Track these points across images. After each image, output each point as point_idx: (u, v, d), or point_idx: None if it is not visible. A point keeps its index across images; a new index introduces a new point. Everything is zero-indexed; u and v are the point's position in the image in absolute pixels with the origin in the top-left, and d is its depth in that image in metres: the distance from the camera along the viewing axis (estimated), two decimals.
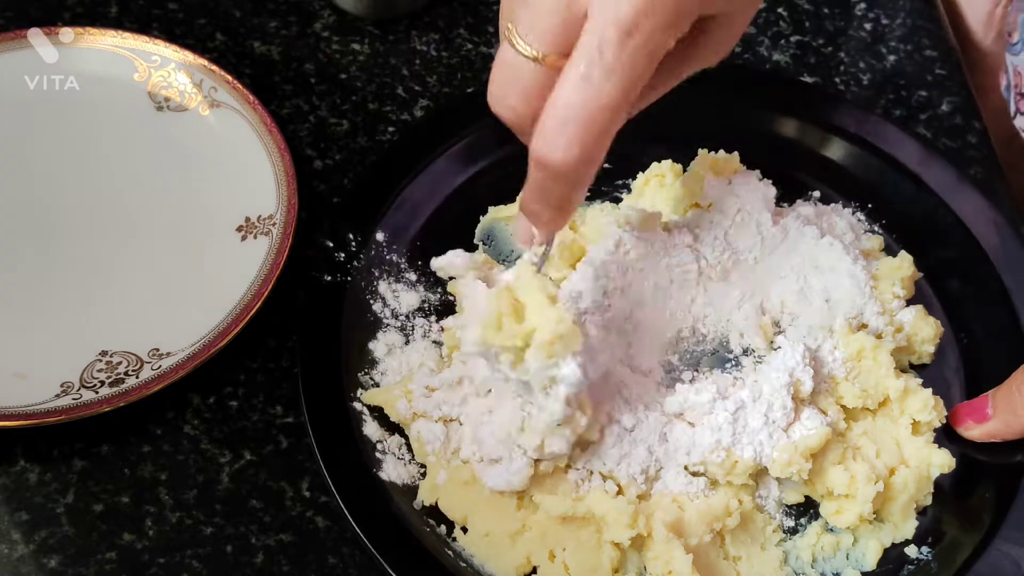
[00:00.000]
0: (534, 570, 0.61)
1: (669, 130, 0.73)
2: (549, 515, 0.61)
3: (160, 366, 0.66)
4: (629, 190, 0.76)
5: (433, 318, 0.70)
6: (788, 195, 0.75)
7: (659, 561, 0.60)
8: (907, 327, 0.69)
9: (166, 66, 0.80)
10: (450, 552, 0.61)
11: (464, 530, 0.62)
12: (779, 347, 0.66)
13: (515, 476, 0.61)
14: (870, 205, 0.76)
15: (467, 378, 0.65)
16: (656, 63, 0.50)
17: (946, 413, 0.66)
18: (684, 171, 0.74)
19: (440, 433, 0.64)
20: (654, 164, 0.75)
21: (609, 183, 0.76)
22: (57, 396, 0.65)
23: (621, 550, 0.60)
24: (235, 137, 0.77)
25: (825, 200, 0.76)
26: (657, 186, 0.74)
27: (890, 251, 0.74)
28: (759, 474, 0.64)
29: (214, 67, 0.80)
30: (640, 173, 0.75)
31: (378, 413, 0.66)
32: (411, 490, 0.63)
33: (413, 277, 0.72)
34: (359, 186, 0.75)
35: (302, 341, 0.66)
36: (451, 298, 0.71)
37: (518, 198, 0.57)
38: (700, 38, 0.55)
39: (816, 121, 0.78)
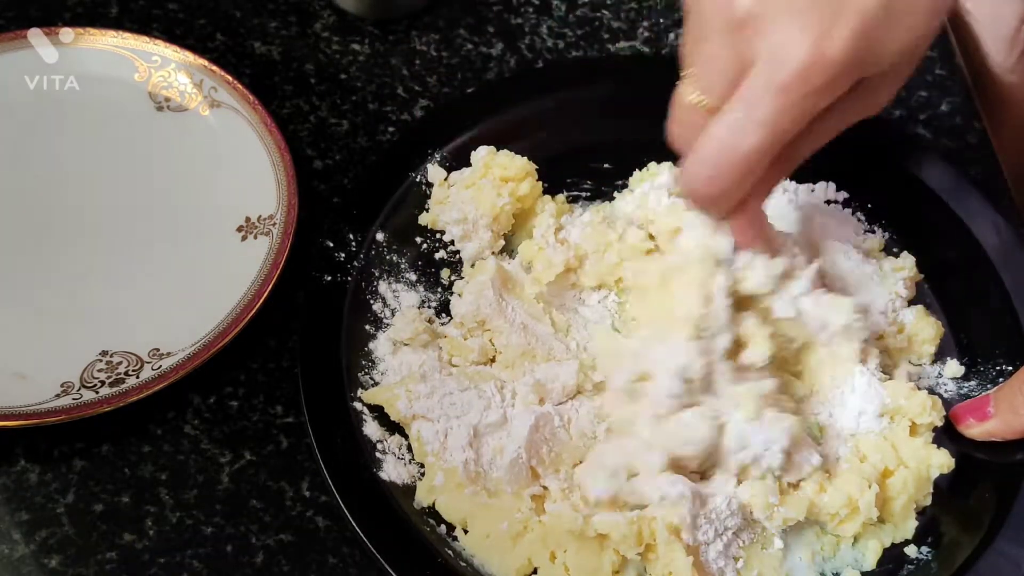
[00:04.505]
0: (535, 571, 0.61)
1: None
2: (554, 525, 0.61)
3: (160, 366, 0.66)
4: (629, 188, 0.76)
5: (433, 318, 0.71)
6: None
7: (660, 563, 0.59)
8: (907, 327, 0.69)
9: (166, 66, 0.80)
10: (450, 552, 0.61)
11: (465, 531, 0.62)
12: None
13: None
14: (870, 205, 0.76)
15: (467, 377, 0.66)
16: (807, 120, 0.54)
17: (945, 412, 0.66)
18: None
19: (440, 433, 0.64)
20: (651, 164, 0.75)
21: (609, 183, 0.76)
22: (57, 396, 0.65)
23: (621, 554, 0.60)
24: (235, 137, 0.77)
25: (825, 200, 0.76)
26: (650, 185, 0.74)
27: (890, 251, 0.74)
28: None
29: (214, 67, 0.80)
30: (636, 171, 0.76)
31: (378, 413, 0.66)
32: (411, 490, 0.63)
33: (413, 277, 0.72)
34: (359, 186, 0.75)
35: (302, 341, 0.66)
36: (451, 297, 0.71)
37: None
38: (861, 92, 0.57)
39: None
